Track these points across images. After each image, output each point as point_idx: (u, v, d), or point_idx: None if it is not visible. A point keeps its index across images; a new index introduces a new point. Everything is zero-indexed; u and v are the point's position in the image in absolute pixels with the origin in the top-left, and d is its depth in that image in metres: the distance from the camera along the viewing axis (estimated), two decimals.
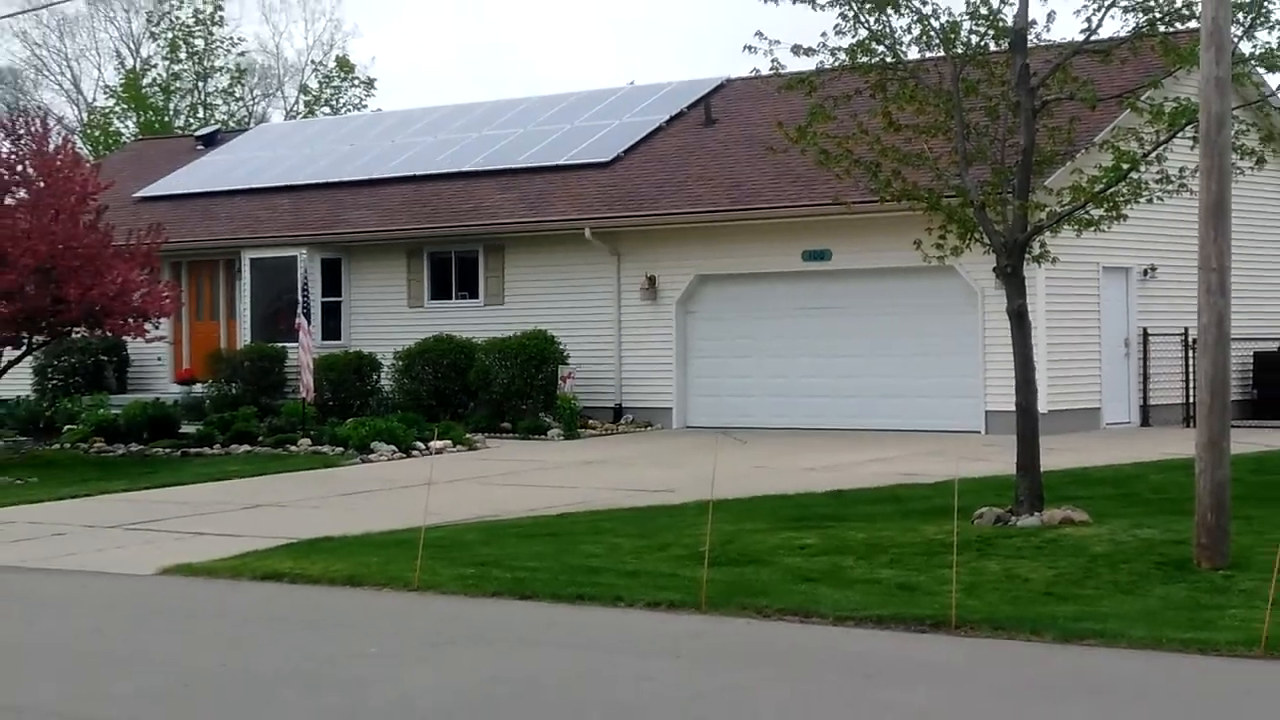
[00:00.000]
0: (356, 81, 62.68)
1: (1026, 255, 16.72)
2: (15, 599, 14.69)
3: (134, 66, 63.15)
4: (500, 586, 13.83)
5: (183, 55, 61.75)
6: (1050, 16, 16.66)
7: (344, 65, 62.90)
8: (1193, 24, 15.61)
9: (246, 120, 59.57)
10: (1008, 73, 16.58)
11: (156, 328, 27.56)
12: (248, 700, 10.24)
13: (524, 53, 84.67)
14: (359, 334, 31.89)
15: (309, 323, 28.50)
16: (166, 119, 60.49)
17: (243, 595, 14.34)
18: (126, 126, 60.37)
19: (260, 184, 35.40)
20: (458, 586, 13.93)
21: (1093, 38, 16.72)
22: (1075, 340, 26.28)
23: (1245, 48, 16.07)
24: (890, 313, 26.83)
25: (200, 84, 62.33)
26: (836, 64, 16.87)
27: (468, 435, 26.67)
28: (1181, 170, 16.59)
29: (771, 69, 16.95)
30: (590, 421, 28.33)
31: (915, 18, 16.63)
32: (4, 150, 26.76)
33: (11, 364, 26.93)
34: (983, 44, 16.75)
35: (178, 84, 61.95)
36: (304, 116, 59.52)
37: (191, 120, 59.79)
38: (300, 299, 29.03)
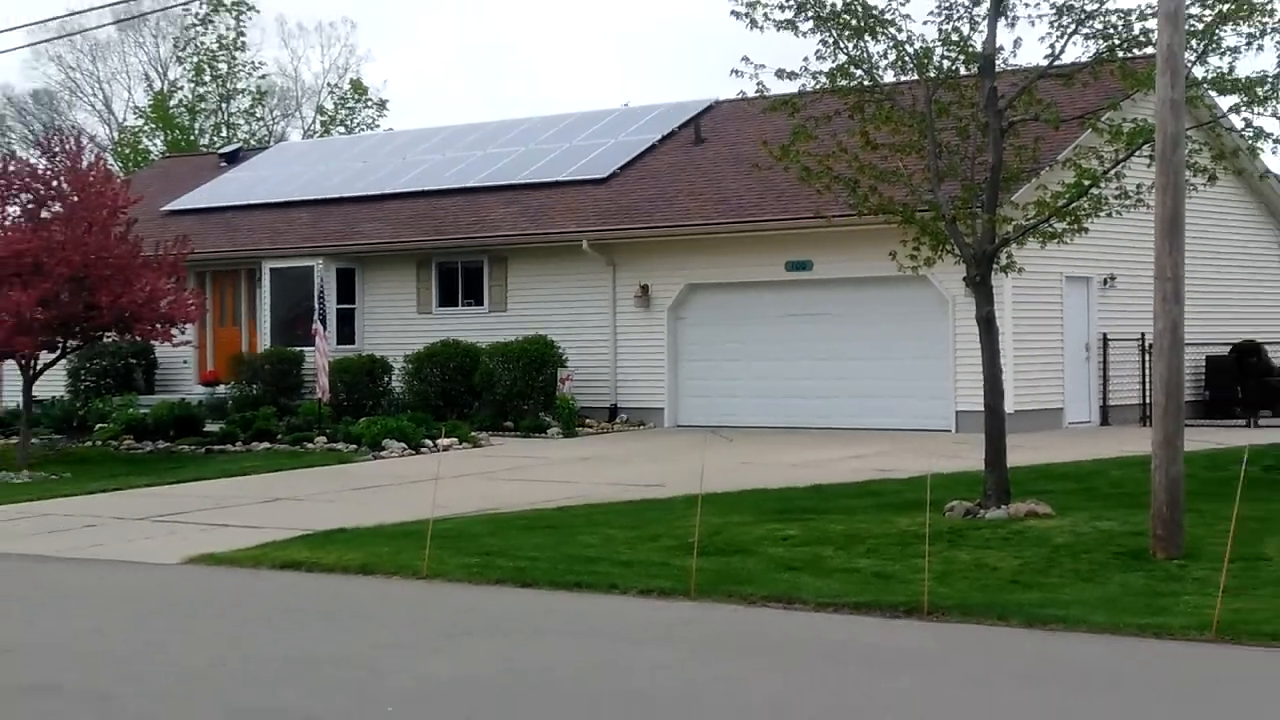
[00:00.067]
0: (369, 103, 62.61)
1: (994, 265, 16.71)
2: (49, 588, 14.67)
3: (162, 89, 63.06)
4: (503, 574, 13.80)
5: (207, 78, 61.65)
6: (1016, 43, 16.79)
7: (358, 88, 62.82)
8: (1149, 50, 15.59)
9: (266, 139, 59.47)
10: (977, 95, 16.57)
11: (182, 333, 27.55)
12: (283, 675, 10.23)
13: (526, 72, 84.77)
14: (371, 339, 31.84)
15: (325, 328, 28.51)
16: (192, 138, 60.39)
17: (264, 583, 14.32)
18: (154, 145, 60.27)
19: (279, 199, 35.35)
20: (463, 575, 13.91)
21: (1056, 63, 16.72)
22: (1040, 345, 26.26)
23: (1198, 72, 16.07)
24: (868, 319, 26.81)
25: (223, 105, 62.23)
26: (817, 87, 16.86)
27: (473, 433, 26.63)
28: (1139, 186, 16.60)
29: (757, 91, 16.93)
30: (587, 421, 28.29)
31: (891, 44, 16.62)
32: (40, 167, 26.76)
33: (47, 366, 26.88)
34: (954, 68, 16.74)
35: (202, 105, 61.84)
36: (320, 136, 59.42)
37: (215, 139, 59.67)
38: (317, 306, 29.03)
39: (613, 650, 11.12)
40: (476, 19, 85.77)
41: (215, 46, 61.58)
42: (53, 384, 31.47)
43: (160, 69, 64.07)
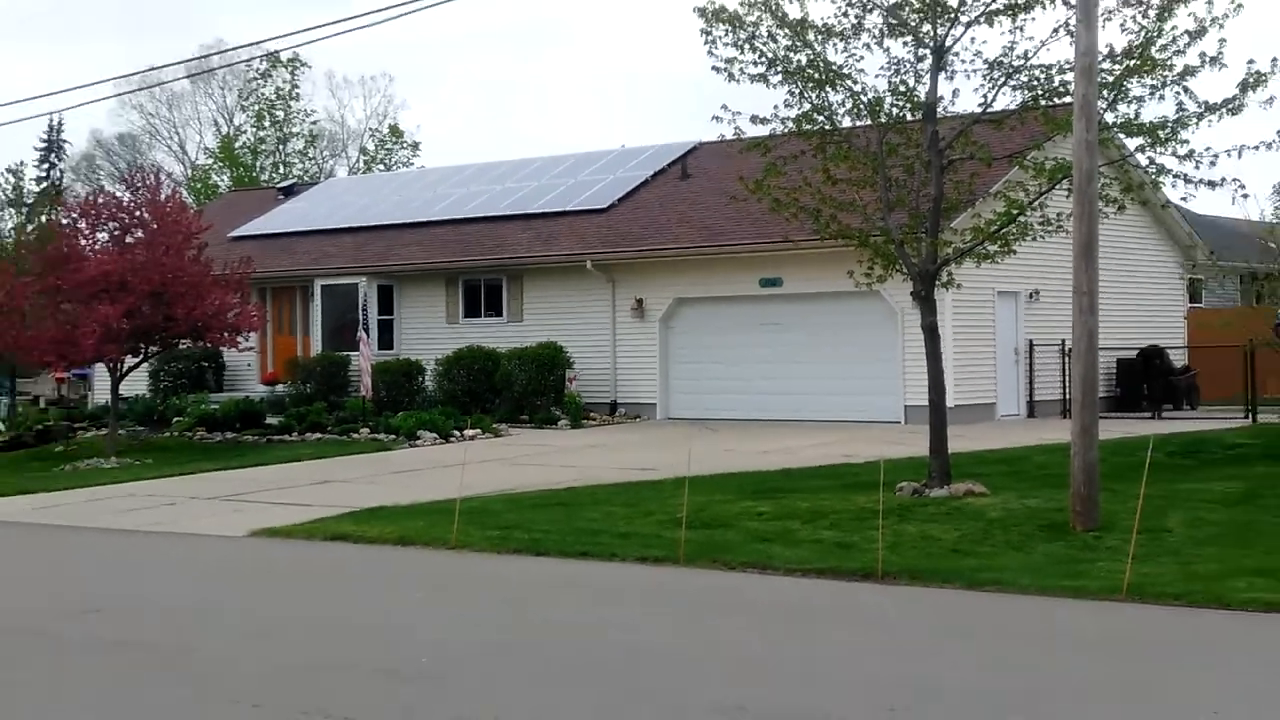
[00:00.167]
0: (405, 144, 62.54)
1: (937, 282, 16.72)
2: (135, 557, 14.67)
3: (228, 133, 63.03)
4: (520, 545, 13.80)
5: (267, 124, 61.63)
6: (955, 93, 16.69)
7: (395, 132, 62.76)
8: (1068, 99, 15.57)
9: (317, 176, 59.41)
10: (921, 137, 16.57)
11: (246, 340, 27.57)
12: (330, 632, 10.23)
13: (538, 110, 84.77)
14: (407, 345, 31.80)
15: (368, 336, 28.49)
16: (254, 175, 60.33)
17: (316, 553, 14.32)
18: (222, 180, 60.20)
19: (329, 226, 35.29)
20: (486, 545, 13.91)
21: (988, 110, 16.71)
22: (976, 349, 26.24)
23: (1109, 118, 16.03)
24: (830, 328, 26.78)
25: (281, 147, 62.16)
26: (786, 130, 16.82)
27: (494, 425, 26.60)
28: (1059, 215, 16.61)
29: (734, 134, 16.90)
30: (591, 414, 28.26)
31: (848, 94, 16.61)
32: (125, 200, 26.75)
33: (132, 369, 26.88)
34: (901, 115, 16.72)
35: (263, 147, 61.79)
36: (363, 173, 59.35)
37: (274, 176, 59.59)
38: (361, 317, 29.02)
39: (614, 608, 11.12)
40: (495, 66, 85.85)
41: (274, 97, 61.61)
42: (136, 384, 31.43)
43: (227, 116, 64.10)
